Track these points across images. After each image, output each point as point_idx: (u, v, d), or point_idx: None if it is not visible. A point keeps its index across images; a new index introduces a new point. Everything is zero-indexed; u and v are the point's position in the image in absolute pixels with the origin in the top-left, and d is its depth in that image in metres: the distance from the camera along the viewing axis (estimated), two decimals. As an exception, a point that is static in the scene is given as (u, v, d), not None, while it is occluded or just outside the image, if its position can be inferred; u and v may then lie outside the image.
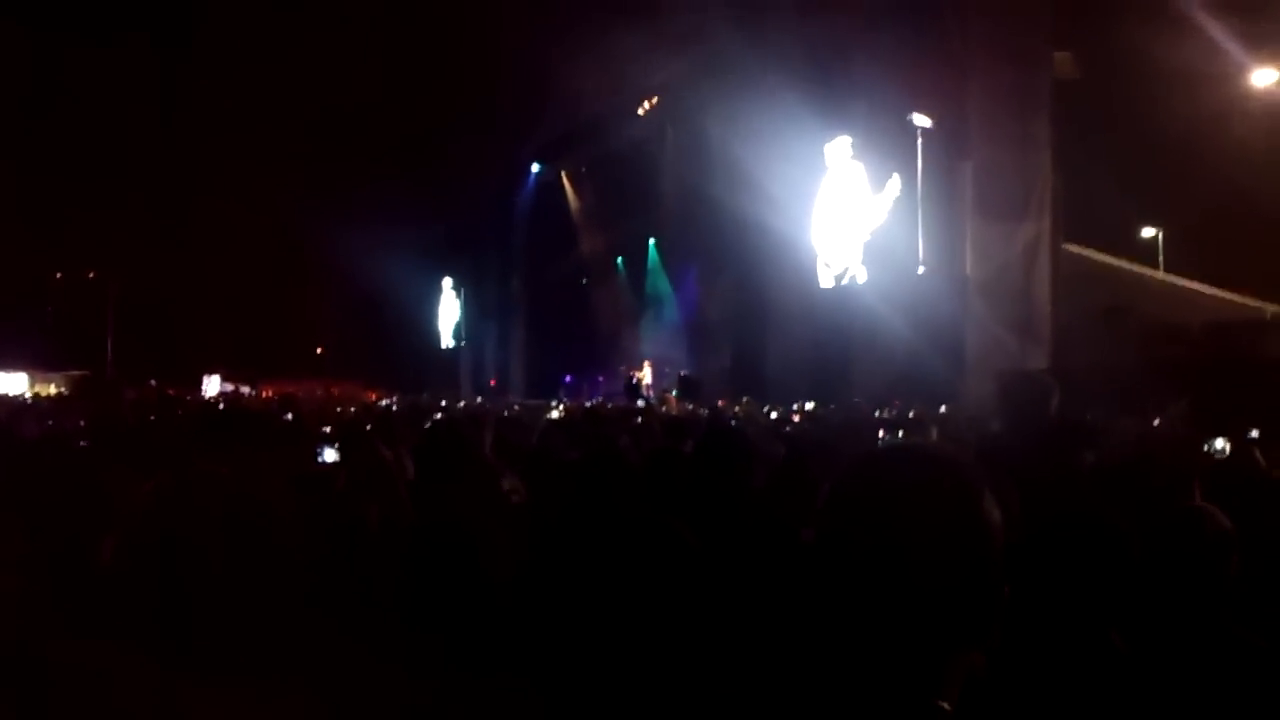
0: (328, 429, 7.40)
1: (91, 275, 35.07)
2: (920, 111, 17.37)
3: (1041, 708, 2.16)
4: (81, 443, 6.09)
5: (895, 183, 18.66)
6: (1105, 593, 2.46)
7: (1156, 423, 8.02)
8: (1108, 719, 2.22)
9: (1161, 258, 17.63)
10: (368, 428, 7.25)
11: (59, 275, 35.47)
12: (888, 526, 1.33)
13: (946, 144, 17.37)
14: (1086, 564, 2.51)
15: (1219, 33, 13.39)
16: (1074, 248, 16.18)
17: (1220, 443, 5.41)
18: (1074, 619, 2.40)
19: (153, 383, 26.77)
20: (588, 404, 17.24)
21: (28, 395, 24.58)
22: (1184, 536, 2.85)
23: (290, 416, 8.95)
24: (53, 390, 28.13)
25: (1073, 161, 15.58)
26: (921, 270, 17.60)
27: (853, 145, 20.12)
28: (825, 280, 20.86)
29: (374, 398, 23.86)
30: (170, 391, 23.42)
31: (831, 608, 1.37)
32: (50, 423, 9.09)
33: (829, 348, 19.65)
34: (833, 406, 13.95)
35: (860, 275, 19.95)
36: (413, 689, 2.43)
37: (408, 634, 2.60)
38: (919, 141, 17.55)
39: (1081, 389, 11.62)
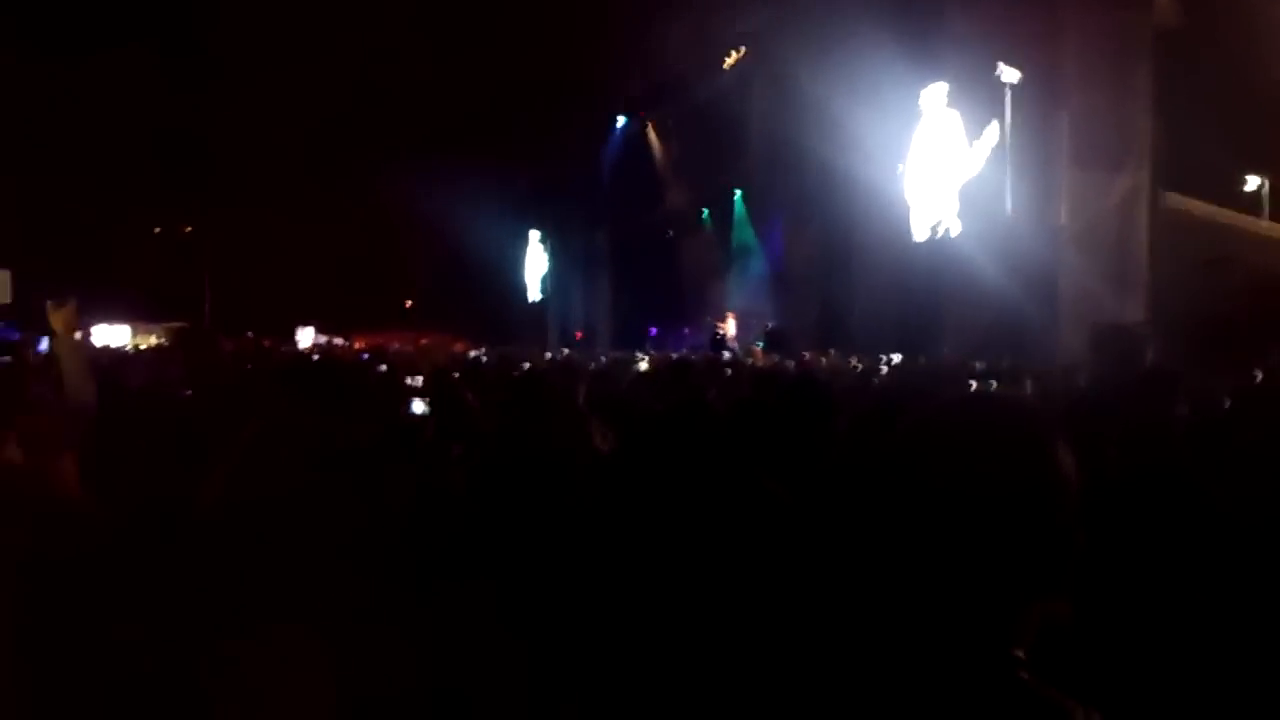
0: (417, 380, 7.51)
1: (188, 230, 35.89)
2: (1015, 59, 16.98)
3: (1122, 660, 2.14)
4: (184, 392, 6.26)
5: (993, 130, 18.26)
6: (1183, 552, 2.42)
7: (1259, 376, 7.79)
8: (1183, 675, 2.19)
9: (1266, 209, 17.05)
10: (455, 376, 7.33)
11: (157, 230, 36.38)
12: (957, 473, 1.34)
13: (1042, 92, 16.97)
14: (1168, 523, 2.47)
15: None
16: (1174, 198, 15.73)
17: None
18: (1155, 575, 2.37)
19: (249, 334, 27.37)
20: (674, 356, 17.26)
21: (129, 346, 25.30)
22: None
23: (384, 367, 9.08)
24: (153, 341, 28.91)
25: (1173, 110, 15.12)
26: (1010, 215, 17.30)
27: (948, 93, 19.74)
28: (920, 233, 20.57)
29: (462, 349, 24.13)
30: (266, 343, 23.93)
31: (903, 554, 1.38)
32: (151, 372, 9.33)
33: (919, 300, 19.41)
34: (922, 359, 13.80)
35: (955, 227, 19.64)
36: (478, 639, 2.48)
37: (482, 585, 2.65)
38: (1007, 95, 17.24)
39: (1181, 342, 11.36)
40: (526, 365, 10.53)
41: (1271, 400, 4.22)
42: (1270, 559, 2.55)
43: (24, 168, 28.65)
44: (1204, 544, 2.53)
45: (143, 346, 25.15)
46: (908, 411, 1.48)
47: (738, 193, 28.02)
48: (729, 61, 26.09)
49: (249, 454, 3.19)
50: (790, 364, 13.72)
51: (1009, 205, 17.60)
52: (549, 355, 18.27)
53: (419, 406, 5.29)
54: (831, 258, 23.22)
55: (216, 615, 2.41)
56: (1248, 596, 2.41)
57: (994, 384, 7.15)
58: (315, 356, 16.07)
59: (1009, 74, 17.13)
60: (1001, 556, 1.31)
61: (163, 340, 28.86)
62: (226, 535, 2.70)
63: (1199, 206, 15.86)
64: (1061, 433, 1.37)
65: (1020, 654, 1.30)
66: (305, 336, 33.18)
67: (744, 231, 28.13)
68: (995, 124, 18.13)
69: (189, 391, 6.18)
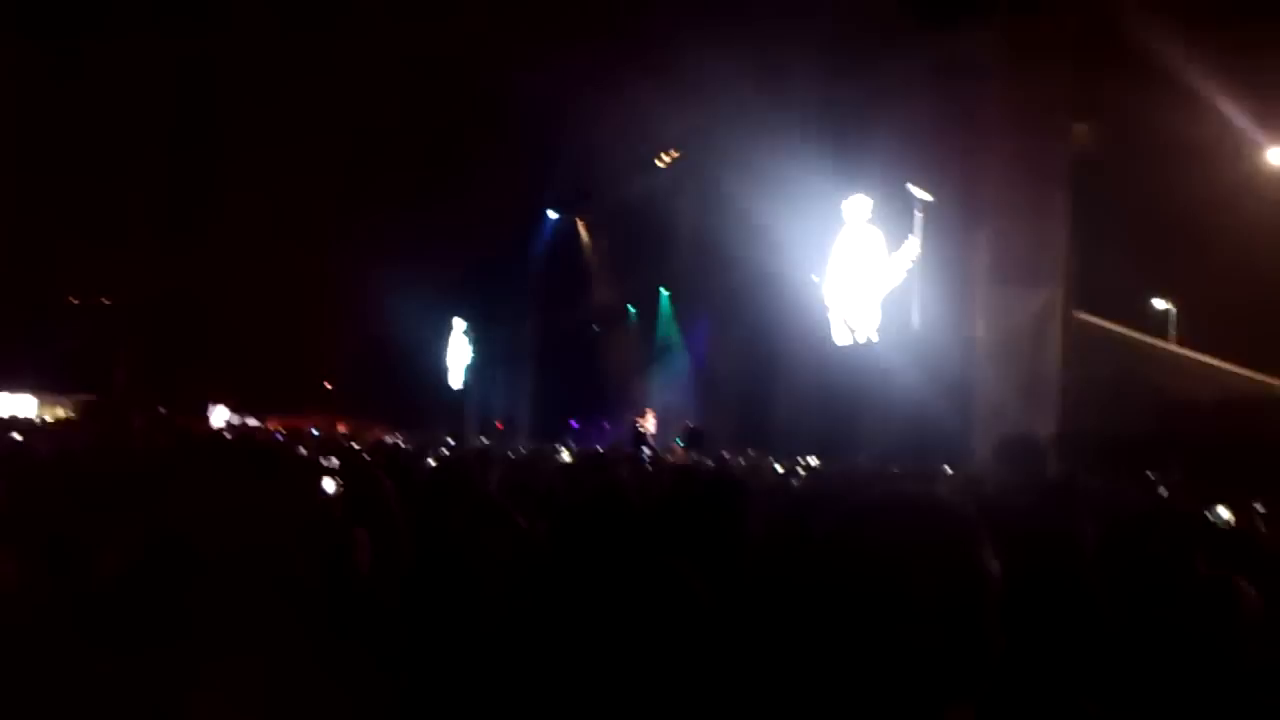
0: (333, 460, 7.43)
1: (105, 301, 35.25)
2: (936, 177, 17.61)
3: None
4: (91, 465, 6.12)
5: (912, 245, 18.80)
6: (1085, 659, 2.46)
7: (1164, 493, 8.02)
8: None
9: (1174, 330, 17.65)
10: (367, 458, 7.28)
11: (72, 300, 35.69)
12: (884, 572, 1.31)
13: (962, 210, 17.52)
14: (1070, 631, 2.51)
15: (1234, 110, 13.51)
16: (1086, 316, 16.22)
17: (1224, 512, 5.41)
18: (1053, 682, 2.40)
19: (161, 410, 26.83)
20: (595, 449, 17.23)
21: (35, 418, 24.66)
22: (1221, 605, 2.86)
23: (302, 450, 8.98)
24: (60, 414, 28.21)
25: (1087, 232, 15.66)
26: (927, 326, 17.78)
27: (870, 207, 20.33)
28: (841, 338, 20.94)
29: (379, 434, 23.87)
30: (179, 420, 23.47)
31: (824, 653, 1.35)
32: (58, 444, 9.12)
33: (837, 404, 19.65)
34: (836, 463, 13.94)
35: (874, 335, 20.04)
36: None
37: (394, 668, 2.62)
38: (916, 213, 17.93)
39: (1088, 456, 11.63)
40: (444, 451, 10.47)
41: (1175, 515, 4.33)
42: (1157, 668, 2.61)
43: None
44: (1101, 650, 2.58)
45: (49, 419, 24.56)
46: (823, 512, 1.46)
47: (664, 291, 28.29)
48: (662, 162, 26.52)
49: (159, 522, 3.15)
50: (708, 462, 13.78)
51: (926, 316, 18.03)
52: (465, 444, 18.14)
53: (330, 485, 5.23)
54: (754, 359, 23.46)
55: (112, 679, 2.36)
56: (1142, 703, 2.46)
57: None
58: (229, 436, 15.81)
59: (920, 193, 17.85)
60: (926, 657, 1.29)
61: (70, 413, 28.20)
62: (134, 602, 2.66)
63: (1108, 325, 16.37)
64: (985, 535, 1.37)
65: None
66: (219, 415, 32.62)
67: (669, 329, 28.36)
68: (913, 238, 18.68)
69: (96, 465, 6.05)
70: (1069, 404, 15.47)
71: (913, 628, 1.30)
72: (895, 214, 19.22)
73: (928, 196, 18.10)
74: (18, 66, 26.87)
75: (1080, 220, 15.62)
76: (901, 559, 1.33)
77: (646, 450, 18.76)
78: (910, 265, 18.99)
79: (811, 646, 1.36)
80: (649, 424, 24.53)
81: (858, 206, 20.62)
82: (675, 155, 26.12)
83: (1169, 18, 13.04)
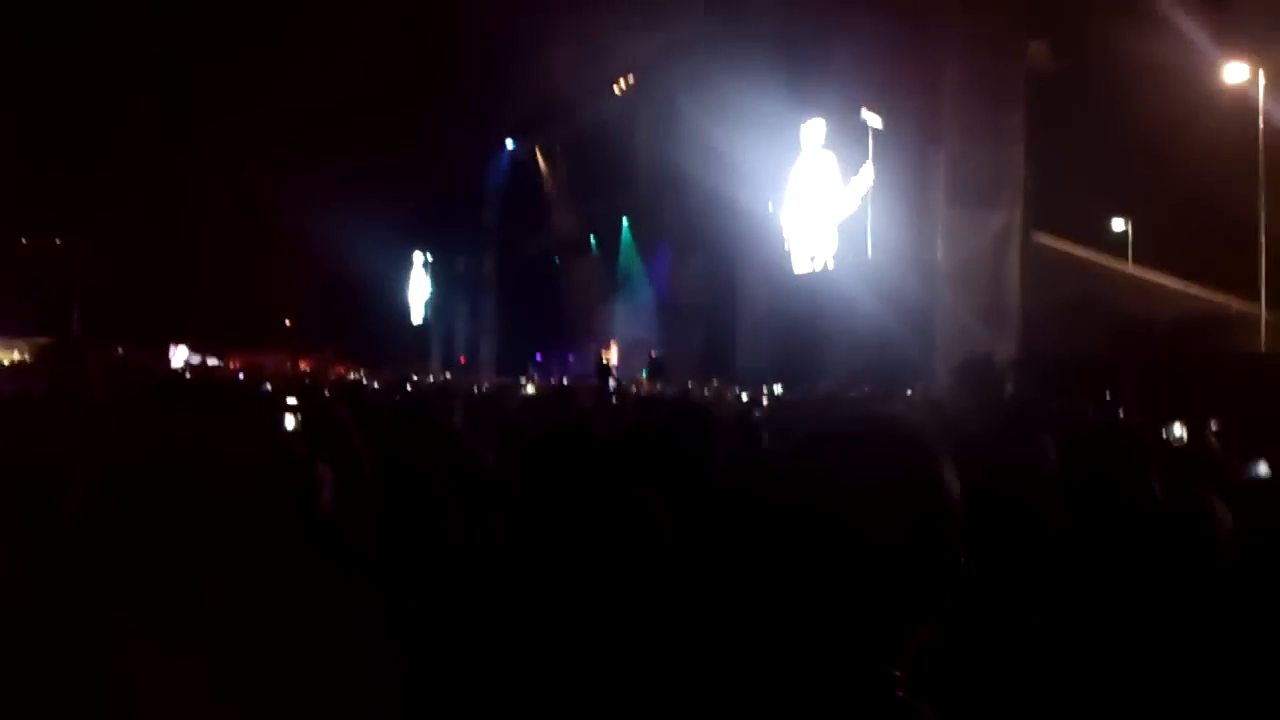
0: (292, 400, 7.36)
1: (58, 241, 34.67)
2: (892, 100, 17.56)
3: (975, 681, 2.19)
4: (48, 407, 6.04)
5: (869, 169, 18.78)
6: (1037, 575, 2.49)
7: (1121, 413, 8.12)
8: (1027, 696, 2.24)
9: (1131, 251, 17.77)
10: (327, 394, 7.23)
11: (25, 240, 35.07)
12: (846, 492, 1.31)
13: (919, 132, 17.48)
14: (1026, 548, 2.54)
15: (1192, 27, 13.49)
16: (1044, 238, 16.30)
17: (1178, 429, 5.48)
18: (1007, 598, 2.43)
19: (119, 350, 26.56)
20: (560, 382, 17.25)
21: (-7, 361, 24.31)
22: (1191, 527, 2.88)
23: (267, 387, 8.91)
24: (16, 356, 27.83)
25: (1045, 153, 15.67)
26: (887, 251, 17.88)
27: (825, 131, 20.24)
28: (799, 265, 20.96)
29: (342, 371, 23.75)
30: (136, 359, 23.23)
31: (787, 576, 1.36)
32: (14, 386, 9.01)
33: (799, 332, 19.73)
34: (799, 389, 14.04)
35: (832, 262, 20.07)
36: (358, 658, 2.45)
37: (363, 600, 2.61)
38: (870, 138, 17.95)
39: (1048, 378, 11.75)
40: (408, 387, 10.44)
41: (1130, 432, 4.39)
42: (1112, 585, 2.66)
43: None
44: (1054, 567, 2.62)
45: (5, 362, 24.24)
46: (786, 437, 1.47)
47: (625, 220, 28.16)
48: (618, 88, 26.26)
49: (116, 466, 3.11)
50: (671, 393, 13.82)
51: (885, 241, 18.08)
52: (430, 379, 18.11)
53: (290, 421, 5.20)
54: (715, 288, 23.47)
55: (73, 625, 2.35)
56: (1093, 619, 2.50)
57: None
58: (188, 375, 15.68)
59: (872, 119, 17.85)
60: (889, 576, 1.29)
61: (25, 356, 27.84)
62: (89, 546, 2.64)
63: (1067, 247, 16.47)
64: (946, 454, 1.37)
65: (898, 673, 1.31)
66: (179, 355, 32.30)
67: (631, 259, 28.27)
68: (870, 164, 18.67)
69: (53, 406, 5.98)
70: (1029, 326, 15.60)
71: (876, 549, 1.30)
72: (851, 139, 19.17)
73: (879, 123, 18.14)
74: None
75: (1038, 141, 15.63)
76: (862, 481, 1.32)
77: (611, 382, 18.81)
78: (866, 191, 18.99)
79: (777, 571, 1.37)
80: (613, 355, 24.56)
81: (814, 131, 20.54)
82: (631, 82, 25.86)
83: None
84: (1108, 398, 8.58)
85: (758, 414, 7.96)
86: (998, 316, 15.82)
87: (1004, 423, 4.23)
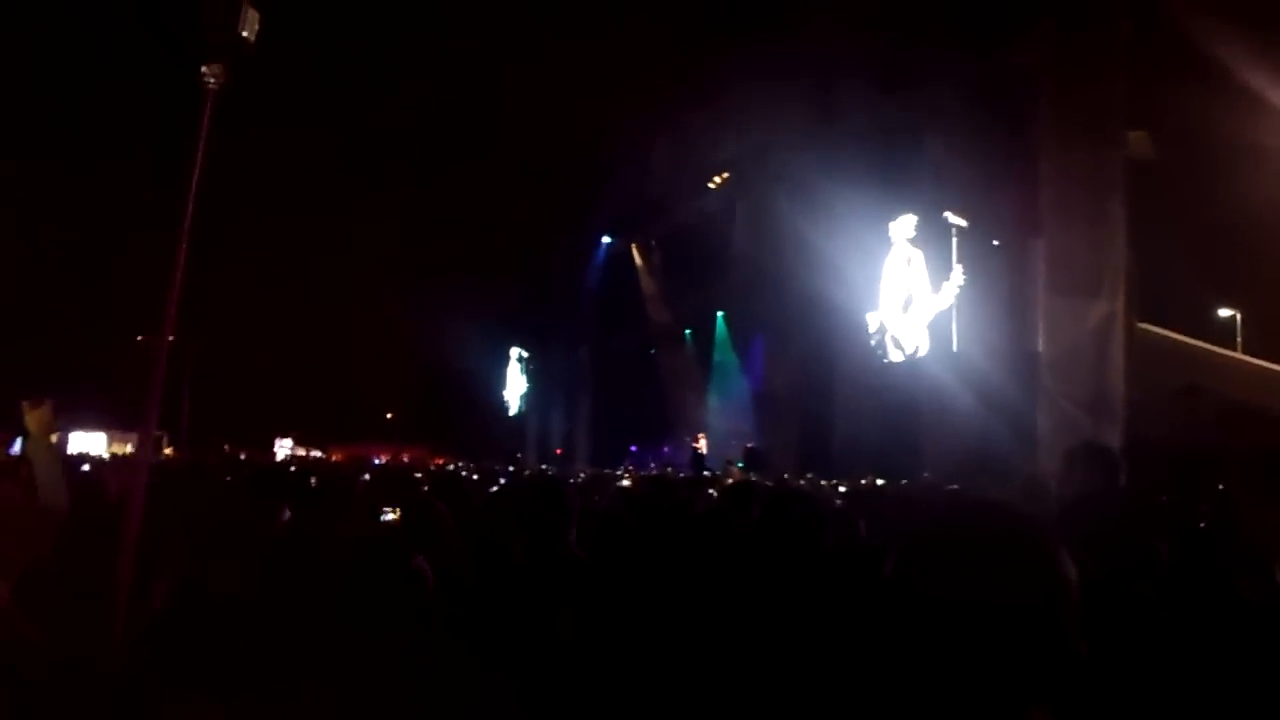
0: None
1: (171, 339, 35.77)
2: (990, 191, 17.53)
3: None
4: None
5: (958, 269, 18.75)
6: (1155, 669, 2.44)
7: (1233, 505, 7.86)
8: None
9: (1239, 339, 17.36)
10: (425, 488, 7.34)
11: (140, 338, 36.29)
12: (966, 577, 1.33)
13: (1017, 223, 17.38)
14: (1142, 640, 2.50)
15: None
16: (1149, 327, 15.98)
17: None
18: (1125, 690, 2.38)
19: (225, 446, 27.25)
20: (654, 473, 17.26)
21: (105, 454, 25.11)
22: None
23: (366, 478, 9.06)
24: (129, 450, 28.68)
25: (1147, 241, 15.45)
26: (987, 341, 17.69)
27: (918, 225, 20.22)
28: (894, 355, 20.83)
29: (441, 463, 24.05)
30: (243, 455, 23.79)
31: (906, 660, 1.36)
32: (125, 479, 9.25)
33: (897, 424, 19.51)
34: (904, 482, 13.83)
35: (927, 352, 19.91)
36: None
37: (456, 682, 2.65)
38: (954, 238, 18.02)
39: (1155, 469, 11.45)
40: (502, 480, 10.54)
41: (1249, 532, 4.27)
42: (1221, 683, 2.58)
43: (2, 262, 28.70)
44: (1169, 662, 2.56)
45: (119, 454, 25.00)
46: (890, 523, 1.47)
47: (720, 314, 28.30)
48: (714, 185, 26.57)
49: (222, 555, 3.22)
50: (768, 483, 13.72)
51: (985, 332, 17.90)
52: (526, 470, 18.25)
53: (388, 515, 5.32)
54: (812, 379, 23.36)
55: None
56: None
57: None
58: (292, 468, 15.99)
59: (956, 220, 17.93)
60: (1007, 662, 1.30)
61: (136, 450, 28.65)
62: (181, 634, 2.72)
63: (1173, 336, 16.13)
64: (1061, 540, 1.38)
65: None
66: (283, 447, 33.05)
67: (725, 352, 28.35)
68: (958, 265, 18.66)
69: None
70: (1134, 417, 15.22)
71: (994, 632, 1.31)
72: (943, 233, 19.16)
73: (963, 222, 18.25)
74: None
75: (1140, 229, 15.41)
76: (980, 564, 1.34)
77: (706, 473, 18.75)
78: (956, 292, 18.91)
79: (895, 652, 1.38)
80: (702, 445, 24.53)
81: (903, 227, 20.55)
82: (726, 177, 26.16)
83: (1223, 18, 12.87)
84: (1219, 489, 8.32)
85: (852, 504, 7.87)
86: (1102, 407, 15.46)
87: (1123, 509, 4.13)
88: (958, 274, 18.74)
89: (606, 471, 18.73)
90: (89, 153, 28.49)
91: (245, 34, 3.94)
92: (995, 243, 18.45)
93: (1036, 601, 1.32)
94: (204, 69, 3.88)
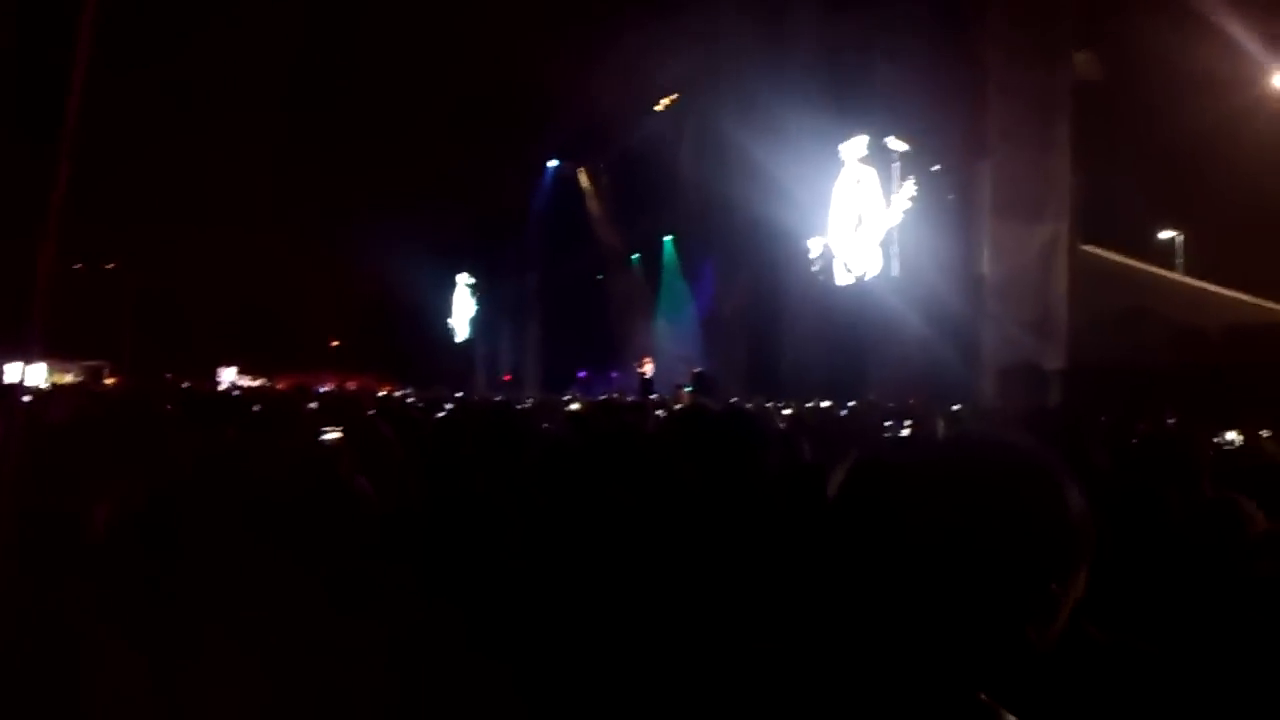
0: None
1: (110, 267, 35.22)
2: (937, 112, 17.49)
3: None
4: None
5: (910, 185, 18.73)
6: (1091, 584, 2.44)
7: (1173, 423, 8.00)
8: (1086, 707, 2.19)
9: (1181, 260, 17.55)
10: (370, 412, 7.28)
11: (78, 266, 35.65)
12: (975, 517, 1.24)
13: (964, 144, 17.38)
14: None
15: (1241, 34, 13.33)
16: (1092, 249, 16.12)
17: (1231, 435, 5.38)
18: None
19: (168, 376, 26.93)
20: (602, 397, 17.26)
21: (46, 384, 24.70)
22: (1226, 527, 2.85)
23: (313, 406, 8.94)
24: (69, 379, 28.26)
25: (1092, 163, 15.52)
26: (932, 263, 17.80)
27: (867, 145, 20.15)
28: (842, 278, 20.88)
29: (387, 391, 23.89)
30: (185, 384, 23.52)
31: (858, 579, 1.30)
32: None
33: (844, 346, 19.62)
34: (851, 404, 13.92)
35: (875, 274, 19.97)
36: (401, 663, 2.45)
37: (405, 609, 2.61)
38: (896, 163, 18.48)
39: (1098, 389, 11.60)
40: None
41: (1184, 438, 4.32)
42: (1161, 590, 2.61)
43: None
44: (1106, 575, 2.57)
45: (59, 384, 24.61)
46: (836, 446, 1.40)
47: (668, 238, 28.19)
48: (660, 107, 26.32)
49: (153, 481, 3.16)
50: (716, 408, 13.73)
51: (930, 254, 17.95)
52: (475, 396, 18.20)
53: (331, 434, 5.25)
54: (760, 304, 23.39)
55: (107, 640, 2.37)
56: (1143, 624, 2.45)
57: (908, 425, 7.22)
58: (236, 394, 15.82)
59: (896, 144, 17.99)
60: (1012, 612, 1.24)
61: (78, 379, 28.27)
62: (120, 560, 2.68)
63: (1116, 258, 16.28)
64: (1070, 476, 1.31)
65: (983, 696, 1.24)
66: (227, 376, 32.71)
67: (673, 276, 28.29)
68: (912, 179, 18.65)
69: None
70: (1077, 338, 15.41)
71: (998, 575, 1.25)
72: (892, 154, 19.17)
73: (905, 147, 18.32)
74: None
75: (1085, 151, 15.47)
76: (989, 503, 1.26)
77: (653, 396, 18.79)
78: (907, 207, 18.94)
79: (845, 572, 1.32)
80: (648, 369, 24.57)
81: (855, 147, 20.47)
82: (674, 100, 25.91)
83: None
84: (1159, 409, 8.45)
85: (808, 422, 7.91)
86: (1045, 328, 15.65)
87: (1055, 431, 4.16)
88: (908, 188, 18.79)
89: (554, 397, 18.70)
90: None
91: None
92: (935, 167, 18.48)
93: (1044, 540, 1.25)
94: None
